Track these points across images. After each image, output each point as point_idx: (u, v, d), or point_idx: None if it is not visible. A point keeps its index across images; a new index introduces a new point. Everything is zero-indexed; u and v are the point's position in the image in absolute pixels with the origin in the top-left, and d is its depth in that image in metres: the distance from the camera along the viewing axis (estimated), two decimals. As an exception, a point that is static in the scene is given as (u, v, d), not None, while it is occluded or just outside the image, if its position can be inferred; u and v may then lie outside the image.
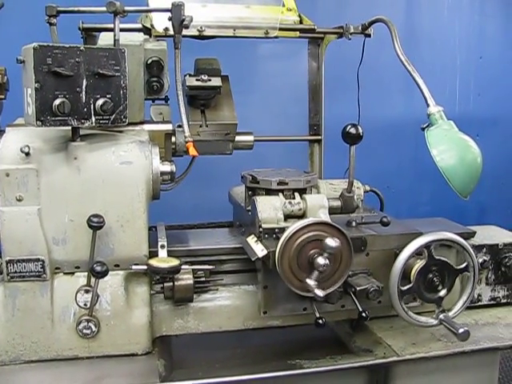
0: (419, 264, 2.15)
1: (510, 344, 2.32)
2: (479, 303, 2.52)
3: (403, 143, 4.54)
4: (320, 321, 2.12)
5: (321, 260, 1.97)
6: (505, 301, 2.60)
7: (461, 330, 2.10)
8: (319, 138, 3.06)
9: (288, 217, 2.22)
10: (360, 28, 2.83)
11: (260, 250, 2.10)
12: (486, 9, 4.87)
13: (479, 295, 2.53)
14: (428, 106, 2.39)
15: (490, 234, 2.62)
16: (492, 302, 2.58)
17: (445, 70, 4.60)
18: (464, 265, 2.20)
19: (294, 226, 2.03)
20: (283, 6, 2.74)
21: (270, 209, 2.19)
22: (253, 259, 2.11)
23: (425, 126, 2.36)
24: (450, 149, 2.28)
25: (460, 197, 2.29)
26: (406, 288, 2.15)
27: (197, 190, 3.63)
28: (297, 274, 2.04)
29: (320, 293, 1.97)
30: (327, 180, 2.69)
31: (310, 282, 1.98)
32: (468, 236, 2.50)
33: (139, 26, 2.56)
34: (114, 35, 2.09)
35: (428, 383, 2.30)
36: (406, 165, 4.65)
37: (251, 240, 2.20)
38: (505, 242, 2.54)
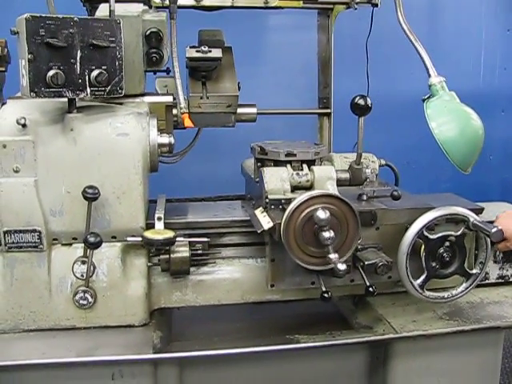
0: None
1: (512, 324, 2.27)
2: (486, 281, 2.46)
3: (424, 118, 4.42)
4: (326, 295, 2.08)
5: (326, 233, 1.95)
6: (513, 279, 2.54)
7: (494, 230, 2.05)
8: (329, 111, 3.01)
9: (296, 188, 2.20)
10: (366, -3, 2.75)
11: (266, 223, 2.07)
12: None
13: (486, 273, 2.46)
14: (429, 76, 2.31)
15: (500, 211, 2.53)
16: (500, 281, 2.52)
17: (469, 42, 4.43)
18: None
19: (300, 198, 2.00)
20: (285, -26, 2.67)
21: (276, 180, 2.17)
22: (259, 231, 2.08)
23: (426, 97, 2.29)
24: (451, 121, 2.22)
25: (460, 170, 2.22)
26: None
27: (205, 163, 3.63)
28: (302, 246, 2.02)
29: (342, 266, 1.95)
30: (341, 153, 2.66)
31: (332, 256, 1.96)
32: (476, 213, 2.42)
33: (139, -4, 2.53)
34: (110, 6, 2.07)
35: (428, 362, 2.26)
36: (427, 140, 4.52)
37: (259, 212, 2.18)
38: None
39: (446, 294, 2.18)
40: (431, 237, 2.12)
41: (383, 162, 2.68)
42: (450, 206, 2.16)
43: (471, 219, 2.12)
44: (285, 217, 1.99)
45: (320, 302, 2.26)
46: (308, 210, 1.99)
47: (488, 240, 2.16)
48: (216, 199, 2.88)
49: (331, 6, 2.85)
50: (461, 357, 2.28)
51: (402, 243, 2.10)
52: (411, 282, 2.12)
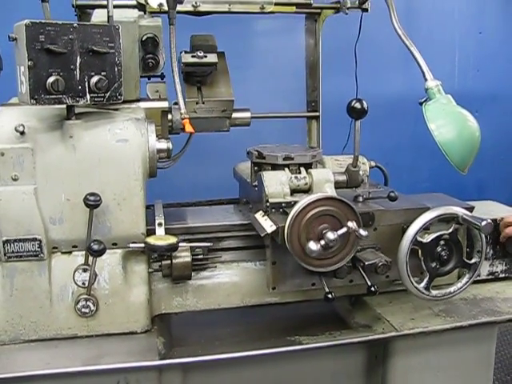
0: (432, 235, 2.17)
1: (508, 318, 2.33)
2: (478, 278, 2.51)
3: (402, 119, 4.51)
4: (329, 295, 2.11)
5: (330, 235, 1.97)
6: (503, 275, 2.61)
7: (483, 223, 2.08)
8: (317, 114, 3.04)
9: (294, 191, 2.23)
10: (357, 2, 2.80)
11: (269, 226, 2.09)
12: (485, -17, 4.80)
13: (477, 270, 2.52)
14: (426, 80, 2.37)
15: (489, 209, 2.62)
16: (490, 277, 2.59)
17: (444, 45, 4.55)
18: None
19: (303, 201, 2.02)
20: (279, -20, 2.70)
21: (276, 183, 2.19)
22: (262, 235, 2.10)
23: (423, 100, 2.35)
24: (448, 123, 2.27)
25: (458, 171, 2.28)
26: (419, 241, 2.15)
27: (195, 167, 3.62)
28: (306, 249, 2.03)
29: (364, 232, 1.99)
30: (332, 156, 2.68)
31: (351, 224, 1.99)
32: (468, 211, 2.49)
33: (133, 2, 2.52)
34: (108, 11, 2.06)
35: (427, 358, 2.30)
36: (406, 141, 4.62)
37: (259, 216, 2.20)
38: (503, 216, 2.53)
39: (451, 289, 2.23)
40: (425, 241, 2.16)
41: (373, 163, 2.72)
42: (439, 207, 2.19)
43: (460, 215, 2.16)
44: (289, 220, 2.01)
45: (316, 302, 2.33)
46: (312, 212, 2.01)
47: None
48: (207, 204, 2.88)
49: (319, 11, 2.88)
50: (458, 351, 2.33)
51: (400, 253, 2.13)
52: (416, 288, 2.17)
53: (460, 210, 2.18)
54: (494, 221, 2.49)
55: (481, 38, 4.67)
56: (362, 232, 1.99)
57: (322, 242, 1.97)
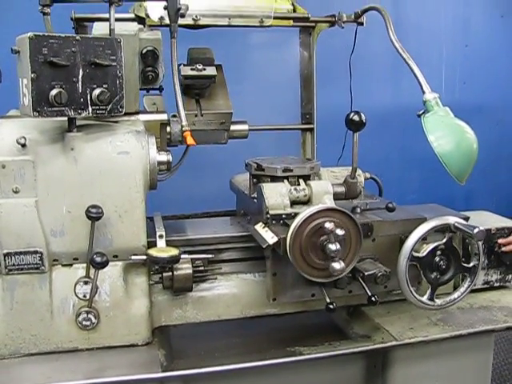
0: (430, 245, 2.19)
1: (505, 326, 2.36)
2: (473, 287, 2.55)
3: (391, 132, 4.56)
4: (331, 305, 2.13)
5: (332, 246, 1.99)
6: (498, 284, 2.65)
7: (476, 230, 2.10)
8: (311, 126, 3.07)
9: (293, 203, 2.24)
10: (353, 16, 2.84)
11: (270, 238, 2.10)
12: (471, -3, 4.88)
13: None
14: (424, 92, 2.41)
15: (483, 219, 2.65)
16: (485, 286, 2.63)
17: (431, 58, 4.62)
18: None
19: (305, 212, 2.04)
20: (276, -6, 2.74)
21: (276, 195, 2.21)
22: (264, 246, 2.11)
23: (421, 112, 2.39)
24: (447, 135, 2.32)
25: (457, 181, 2.32)
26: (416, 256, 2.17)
27: (191, 180, 3.62)
28: (308, 259, 2.05)
29: (340, 232, 2.00)
30: (328, 168, 2.70)
31: (328, 225, 1.99)
32: (462, 221, 2.52)
33: (131, 15, 2.54)
34: (110, 25, 2.07)
35: (426, 367, 2.33)
36: (394, 153, 4.67)
37: (260, 227, 2.21)
38: (497, 226, 2.58)
39: (455, 295, 2.25)
40: (421, 255, 2.19)
41: (368, 175, 2.74)
42: (431, 219, 2.20)
43: (452, 224, 2.18)
44: (291, 231, 2.02)
45: (314, 313, 2.34)
46: (313, 223, 2.03)
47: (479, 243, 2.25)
48: (203, 216, 2.89)
49: (314, 24, 2.92)
50: (457, 360, 2.36)
51: (399, 269, 2.15)
52: (421, 301, 2.20)
53: (452, 219, 2.20)
54: (489, 231, 2.54)
55: (467, 51, 4.75)
56: (339, 232, 2.00)
57: (341, 262, 2.00)
